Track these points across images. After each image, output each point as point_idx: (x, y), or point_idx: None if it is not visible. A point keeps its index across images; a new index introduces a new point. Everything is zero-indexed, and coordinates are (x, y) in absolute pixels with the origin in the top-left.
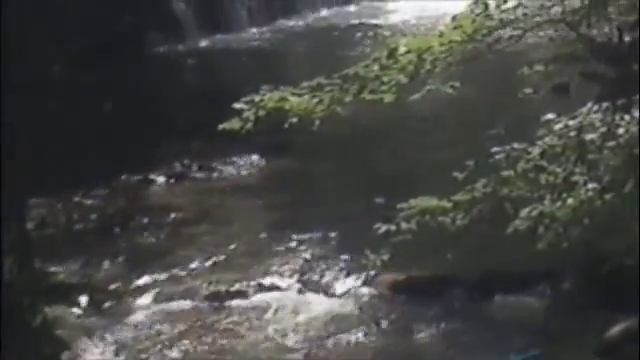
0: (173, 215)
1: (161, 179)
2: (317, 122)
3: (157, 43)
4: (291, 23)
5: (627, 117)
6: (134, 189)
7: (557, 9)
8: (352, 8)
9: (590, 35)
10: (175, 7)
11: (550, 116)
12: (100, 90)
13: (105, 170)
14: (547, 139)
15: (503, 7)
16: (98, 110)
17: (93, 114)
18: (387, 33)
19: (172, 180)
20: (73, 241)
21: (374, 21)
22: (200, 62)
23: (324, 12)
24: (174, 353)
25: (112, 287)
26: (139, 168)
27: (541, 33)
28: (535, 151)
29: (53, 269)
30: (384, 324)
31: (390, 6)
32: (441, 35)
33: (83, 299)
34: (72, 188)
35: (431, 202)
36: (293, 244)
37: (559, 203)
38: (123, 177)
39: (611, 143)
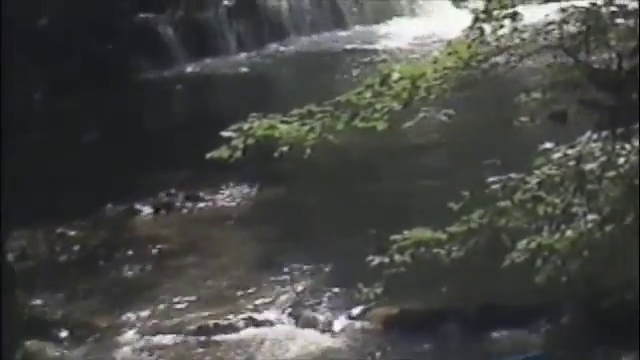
0: (159, 247)
1: (146, 209)
2: (308, 151)
3: (143, 69)
4: (281, 48)
5: (627, 146)
6: (118, 220)
7: (555, 35)
8: (344, 33)
9: (589, 61)
10: (162, 32)
11: (548, 145)
12: (83, 117)
13: (88, 200)
14: (545, 169)
15: (499, 32)
16: (81, 138)
17: (76, 142)
18: (380, 59)
19: (158, 210)
20: (55, 273)
21: (367, 46)
22: (187, 88)
23: (315, 37)
24: None
25: (95, 321)
26: (124, 198)
27: (538, 59)
28: (533, 181)
29: (34, 302)
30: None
31: (383, 30)
32: (435, 61)
33: (65, 334)
34: (54, 219)
35: (426, 233)
36: (284, 277)
37: (558, 235)
38: (107, 207)
39: (611, 173)
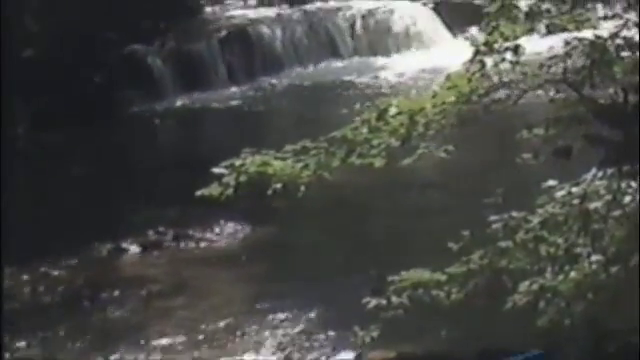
0: (147, 287)
1: (134, 248)
2: (302, 188)
3: (131, 102)
4: (274, 80)
5: (633, 184)
6: (104, 259)
7: (558, 68)
8: (340, 64)
9: (594, 96)
10: (150, 64)
11: (551, 183)
12: (69, 152)
13: (74, 238)
14: (548, 207)
15: (501, 66)
16: (66, 174)
17: (61, 178)
18: (377, 92)
19: (146, 249)
20: (39, 314)
21: (363, 78)
22: (177, 122)
23: (310, 68)
24: None
25: None
26: (110, 236)
27: (541, 93)
28: (535, 220)
29: (17, 345)
30: None
31: (380, 62)
32: (434, 95)
33: None
34: (38, 258)
35: (424, 275)
36: (276, 318)
37: (561, 276)
38: (93, 246)
39: (616, 212)
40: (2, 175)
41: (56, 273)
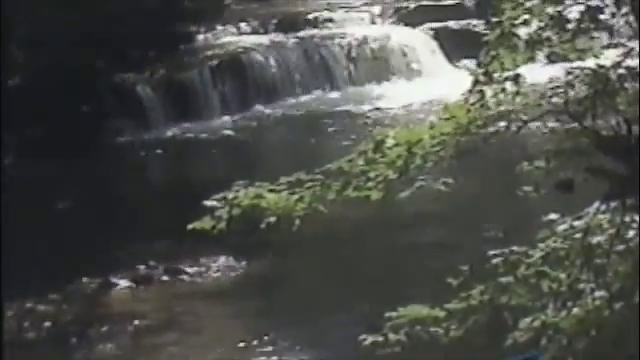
0: (136, 323)
1: (123, 283)
2: (297, 221)
3: (120, 132)
4: (268, 110)
5: (637, 218)
6: (93, 294)
7: (560, 99)
8: (335, 94)
9: (596, 127)
10: (140, 92)
11: (553, 216)
12: (56, 183)
13: (61, 272)
14: (550, 242)
15: (501, 96)
16: (53, 206)
17: (48, 210)
18: (374, 122)
19: (135, 284)
20: (24, 351)
21: (360, 108)
22: (167, 153)
23: (305, 98)
24: None
25: None
26: (99, 270)
27: (542, 125)
28: (537, 255)
29: None
30: None
31: (377, 92)
32: (432, 127)
33: None
34: (24, 293)
35: (422, 311)
36: (268, 356)
37: (563, 313)
38: (81, 280)
39: (620, 247)
40: None
41: (42, 308)
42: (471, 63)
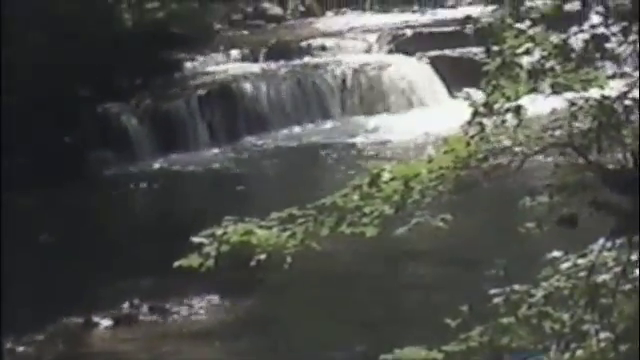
0: None
1: (106, 322)
2: (288, 259)
3: (104, 163)
4: (259, 142)
5: None
6: (74, 333)
7: (563, 131)
8: (330, 124)
9: (601, 161)
10: (125, 123)
11: (556, 254)
12: (37, 217)
13: (41, 310)
14: (553, 280)
15: (502, 129)
16: (35, 240)
17: (29, 244)
18: (369, 155)
19: (118, 323)
20: None
21: (355, 140)
22: (153, 186)
23: (297, 129)
24: None
25: None
26: (81, 308)
27: (545, 158)
28: (539, 294)
29: None
30: None
31: (372, 123)
32: (430, 160)
33: None
34: (3, 332)
35: (419, 353)
36: None
37: (567, 355)
38: (61, 319)
39: (627, 286)
40: None
41: (21, 349)
42: (471, 93)
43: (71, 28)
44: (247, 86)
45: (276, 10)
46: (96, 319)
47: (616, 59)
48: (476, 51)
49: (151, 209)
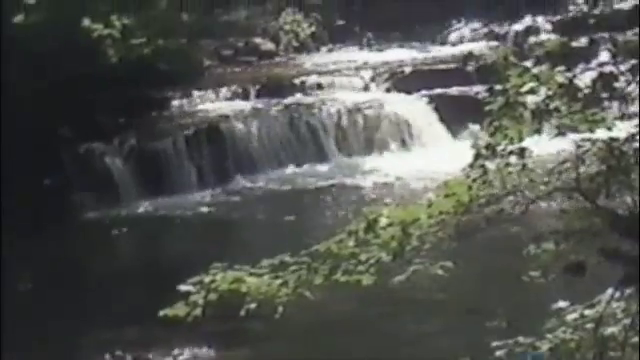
0: None
1: None
2: (280, 308)
3: (87, 207)
4: (249, 184)
5: None
6: None
7: (570, 175)
8: (325, 166)
9: (610, 206)
10: (109, 164)
11: (562, 304)
12: (16, 264)
13: None
14: (559, 332)
15: (505, 172)
16: (14, 288)
17: (8, 293)
18: (366, 199)
19: None
20: None
21: (350, 183)
22: (138, 231)
23: (290, 171)
24: None
25: None
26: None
27: (551, 203)
28: (544, 347)
29: None
30: None
31: (369, 165)
32: (430, 204)
33: None
34: None
35: None
36: None
37: None
38: None
39: (636, 339)
40: None
41: None
42: (472, 134)
43: (53, 64)
44: (238, 125)
45: (268, 45)
46: None
47: (625, 99)
48: (478, 90)
49: (136, 256)
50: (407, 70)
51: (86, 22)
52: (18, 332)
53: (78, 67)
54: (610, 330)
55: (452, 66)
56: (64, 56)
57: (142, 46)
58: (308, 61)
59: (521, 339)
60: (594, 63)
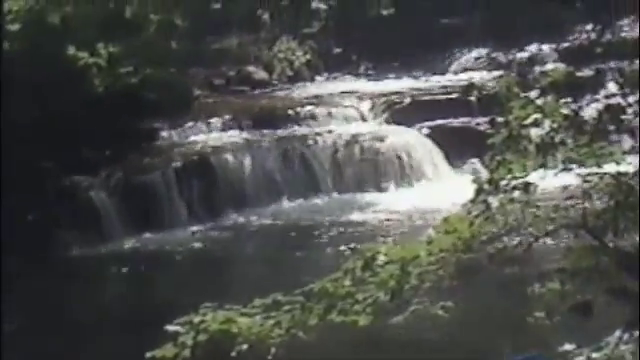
0: None
1: None
2: (273, 349)
3: (71, 244)
4: (241, 219)
5: None
6: None
7: (576, 211)
8: (320, 201)
9: (617, 244)
10: (94, 198)
11: (568, 347)
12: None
13: None
14: None
15: (508, 207)
16: None
17: None
18: (362, 236)
19: None
20: None
21: (347, 219)
22: (125, 269)
23: (283, 205)
24: None
25: None
26: None
27: (556, 241)
28: None
29: None
30: None
31: (367, 199)
32: (430, 241)
33: None
34: None
35: None
36: None
37: None
38: None
39: None
40: None
41: None
42: (474, 167)
43: (36, 94)
44: (229, 158)
45: (262, 74)
46: None
47: (633, 132)
48: (480, 121)
49: (122, 294)
50: (406, 101)
51: (71, 50)
52: None
53: (63, 97)
54: None
55: (453, 96)
56: (48, 85)
57: (129, 75)
58: (303, 91)
59: None
60: (601, 94)
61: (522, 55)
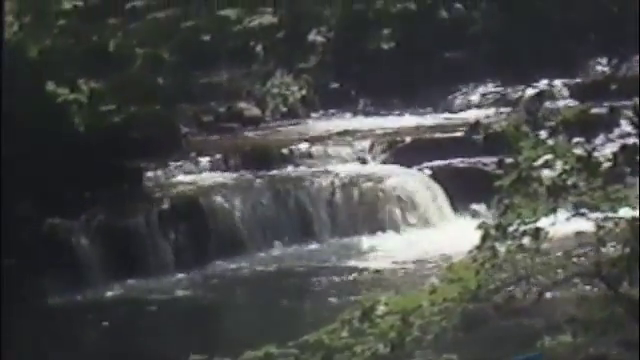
0: None
1: None
2: None
3: (49, 292)
4: (232, 266)
5: None
6: None
7: (589, 259)
8: (315, 246)
9: (633, 294)
10: (74, 243)
11: None
12: None
13: None
14: None
15: (517, 255)
16: None
17: None
18: (361, 284)
19: None
20: None
21: (344, 266)
22: (107, 318)
23: (276, 252)
24: None
25: None
26: None
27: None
28: None
29: None
30: None
31: (365, 245)
32: (433, 290)
33: None
34: None
35: None
36: None
37: None
38: None
39: None
40: None
41: None
42: (479, 211)
43: (11, 133)
44: (218, 200)
45: (254, 111)
46: None
47: None
48: (486, 162)
49: (103, 346)
50: (407, 140)
51: (50, 86)
52: None
53: (40, 135)
54: None
55: (458, 135)
56: (24, 123)
57: (112, 113)
58: (297, 128)
59: None
60: (615, 133)
61: (531, 91)
